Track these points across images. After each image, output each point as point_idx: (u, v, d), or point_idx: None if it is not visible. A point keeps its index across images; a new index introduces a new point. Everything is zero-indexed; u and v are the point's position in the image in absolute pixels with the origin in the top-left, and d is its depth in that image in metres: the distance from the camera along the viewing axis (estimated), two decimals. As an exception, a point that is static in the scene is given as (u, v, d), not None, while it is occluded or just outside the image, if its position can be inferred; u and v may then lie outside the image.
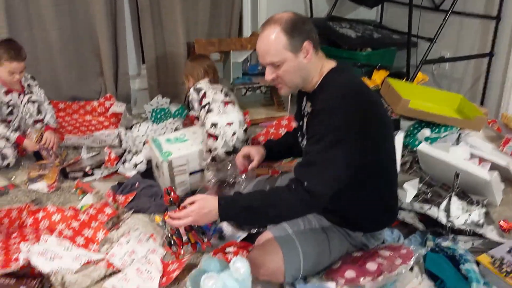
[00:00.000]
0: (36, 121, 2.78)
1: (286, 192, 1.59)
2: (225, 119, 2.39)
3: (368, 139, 1.58)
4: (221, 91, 2.54)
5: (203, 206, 1.61)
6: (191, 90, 2.55)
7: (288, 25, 1.57)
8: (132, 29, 3.52)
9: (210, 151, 2.36)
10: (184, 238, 1.78)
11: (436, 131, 2.66)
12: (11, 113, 2.73)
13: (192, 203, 1.63)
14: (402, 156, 2.56)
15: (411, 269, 1.82)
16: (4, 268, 1.73)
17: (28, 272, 1.77)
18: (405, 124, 2.87)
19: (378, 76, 3.30)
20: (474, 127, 2.68)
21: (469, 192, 2.32)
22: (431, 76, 3.60)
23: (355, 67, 3.33)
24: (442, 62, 3.55)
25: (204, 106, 2.47)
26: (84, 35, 3.25)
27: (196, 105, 2.54)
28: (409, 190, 2.24)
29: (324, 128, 1.57)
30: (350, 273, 1.70)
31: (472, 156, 2.58)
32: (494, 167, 2.53)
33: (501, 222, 2.16)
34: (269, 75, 1.66)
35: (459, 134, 2.73)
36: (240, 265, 1.58)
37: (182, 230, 1.82)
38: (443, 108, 2.89)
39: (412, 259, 1.75)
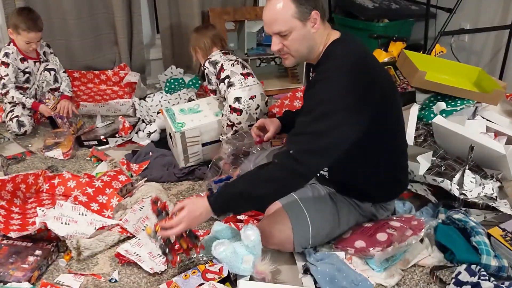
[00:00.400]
0: (53, 89, 2.81)
1: (269, 167, 1.57)
2: (248, 92, 2.37)
3: (365, 111, 1.54)
4: (238, 62, 2.47)
5: (193, 209, 1.55)
6: (206, 63, 2.49)
7: None
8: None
9: (232, 125, 2.34)
10: (176, 246, 1.62)
11: (452, 104, 2.62)
12: (27, 80, 2.76)
13: (181, 209, 1.57)
14: (417, 129, 2.53)
15: (422, 240, 1.83)
16: (22, 231, 1.77)
17: (44, 236, 1.82)
18: (421, 97, 2.83)
19: (395, 48, 3.25)
20: (491, 101, 2.63)
21: (483, 166, 2.30)
22: (450, 48, 3.53)
23: (371, 39, 3.26)
24: (461, 33, 3.46)
25: (223, 80, 2.41)
26: (99, 3, 3.23)
27: (213, 78, 2.49)
28: (422, 162, 2.23)
29: (316, 100, 1.55)
30: (360, 243, 1.72)
31: (488, 129, 2.55)
32: (510, 141, 2.50)
33: (514, 196, 2.15)
34: (276, 45, 1.63)
35: (476, 108, 2.69)
36: (250, 232, 1.60)
37: (172, 238, 1.63)
38: (460, 81, 2.83)
39: (422, 230, 1.76)
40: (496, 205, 2.03)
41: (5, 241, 1.78)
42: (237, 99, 2.31)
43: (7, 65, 2.62)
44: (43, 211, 1.83)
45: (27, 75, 2.73)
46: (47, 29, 3.00)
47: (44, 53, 2.81)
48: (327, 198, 1.79)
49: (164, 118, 2.43)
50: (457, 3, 2.99)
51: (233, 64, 2.44)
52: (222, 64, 2.43)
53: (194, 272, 1.57)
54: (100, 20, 3.28)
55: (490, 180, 2.17)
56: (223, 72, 2.41)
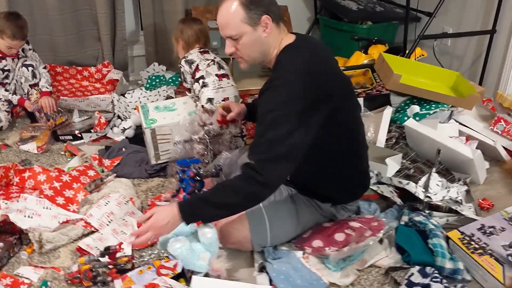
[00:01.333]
0: (32, 85, 2.82)
1: (235, 177, 1.58)
2: (221, 94, 2.38)
3: (315, 117, 1.55)
4: (214, 62, 2.49)
5: (161, 218, 1.54)
6: (183, 61, 2.52)
7: None
8: (132, -4, 3.52)
9: (204, 125, 2.35)
10: None
11: (426, 107, 2.64)
12: (6, 77, 2.78)
13: (149, 217, 1.57)
14: (390, 131, 2.55)
15: (381, 241, 1.85)
16: (-16, 224, 1.79)
17: (8, 229, 1.84)
18: (397, 99, 2.85)
19: (377, 51, 3.26)
20: (465, 105, 2.64)
21: (453, 169, 2.32)
22: (432, 52, 3.54)
23: (352, 40, 3.28)
24: (441, 38, 3.48)
25: (198, 80, 2.43)
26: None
27: (188, 77, 2.52)
28: (390, 164, 2.25)
29: (266, 108, 1.56)
30: (317, 243, 1.74)
31: (461, 134, 2.57)
32: (482, 145, 2.52)
33: (481, 200, 2.16)
34: (229, 48, 1.65)
35: (452, 112, 2.71)
36: (207, 230, 1.62)
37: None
38: (437, 85, 2.85)
39: (381, 231, 1.78)
40: (460, 208, 2.05)
41: (-32, 233, 1.80)
42: (210, 100, 2.33)
43: None
44: (6, 203, 1.85)
45: (6, 72, 2.75)
46: (30, 25, 2.98)
47: (23, 49, 2.82)
48: (287, 198, 1.81)
49: (138, 114, 2.45)
50: (436, 7, 3.00)
51: (208, 64, 2.45)
52: (197, 64, 2.45)
53: (149, 268, 1.59)
54: (83, 16, 3.30)
55: (457, 183, 2.19)
56: (198, 72, 2.43)
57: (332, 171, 1.74)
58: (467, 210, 2.06)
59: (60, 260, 1.76)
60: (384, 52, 3.16)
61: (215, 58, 2.55)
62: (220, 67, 2.49)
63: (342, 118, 1.65)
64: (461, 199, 2.10)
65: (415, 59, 3.16)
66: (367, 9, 3.59)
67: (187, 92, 2.59)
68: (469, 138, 2.54)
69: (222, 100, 2.36)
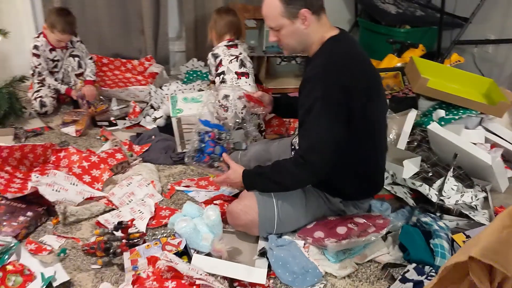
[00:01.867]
0: (77, 75, 3.04)
1: (288, 160, 1.74)
2: (238, 92, 2.46)
3: (344, 110, 1.63)
4: (238, 59, 2.56)
5: (233, 177, 1.83)
6: (209, 54, 2.62)
7: None
8: (176, -7, 3.69)
9: (219, 120, 2.44)
10: None
11: (454, 113, 2.61)
12: (55, 66, 3.01)
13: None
14: (413, 134, 2.55)
15: (386, 239, 1.88)
16: (16, 193, 1.97)
17: (38, 201, 2.01)
18: (426, 104, 2.83)
19: (412, 54, 3.25)
20: (495, 113, 2.60)
21: (473, 175, 2.30)
22: (472, 59, 3.48)
23: (387, 43, 3.28)
24: (476, 43, 3.41)
25: (219, 75, 2.54)
26: (129, -5, 3.46)
27: (213, 70, 2.62)
28: (407, 166, 2.26)
29: (311, 98, 1.65)
30: (319, 234, 1.79)
31: (487, 141, 2.53)
32: (509, 153, 2.48)
33: (498, 208, 2.14)
34: (272, 37, 1.78)
35: (481, 119, 2.67)
36: (211, 212, 1.72)
37: None
38: (469, 91, 2.81)
39: (385, 229, 1.81)
40: (474, 214, 2.04)
41: (3, 201, 1.98)
42: (226, 97, 2.42)
43: (38, 56, 2.88)
44: (37, 177, 2.02)
45: (55, 62, 2.98)
46: (81, 17, 3.25)
47: (71, 41, 3.04)
48: (298, 189, 1.87)
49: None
50: (473, 12, 2.96)
51: (231, 61, 2.54)
52: (221, 59, 2.55)
53: (156, 244, 1.71)
54: (129, 10, 3.49)
55: (473, 189, 2.17)
56: (220, 67, 2.53)
57: (349, 167, 1.78)
58: (480, 216, 2.04)
59: (80, 232, 1.91)
60: (421, 56, 3.15)
61: (241, 54, 2.60)
62: (242, 64, 2.56)
63: (370, 114, 1.71)
64: (475, 205, 2.09)
65: (450, 64, 3.13)
66: (406, 13, 3.57)
67: (211, 84, 2.69)
68: (495, 145, 2.50)
69: (238, 98, 2.44)
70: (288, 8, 1.66)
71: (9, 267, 1.63)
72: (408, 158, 2.32)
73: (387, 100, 2.72)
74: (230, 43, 2.64)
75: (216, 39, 2.68)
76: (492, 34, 3.41)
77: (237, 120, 2.20)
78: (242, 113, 2.41)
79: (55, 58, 2.98)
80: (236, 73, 2.52)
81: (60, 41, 2.87)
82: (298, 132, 1.78)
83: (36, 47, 2.87)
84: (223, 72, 2.51)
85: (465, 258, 1.02)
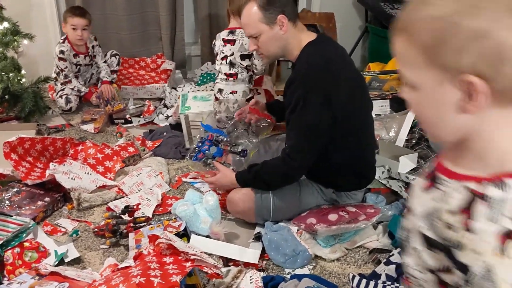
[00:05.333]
0: (98, 78, 3.26)
1: (275, 158, 1.90)
2: (230, 87, 2.62)
3: (331, 108, 1.75)
4: (227, 61, 2.62)
5: (224, 181, 2.01)
6: (213, 44, 2.76)
7: (263, 0, 1.80)
8: (192, 1, 3.87)
9: (215, 113, 2.61)
10: None
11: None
12: (78, 71, 3.23)
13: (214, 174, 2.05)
14: (413, 132, 2.64)
15: (376, 228, 1.98)
16: (35, 180, 2.15)
17: (55, 188, 2.18)
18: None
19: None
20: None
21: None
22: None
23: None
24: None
25: (223, 58, 2.66)
26: (148, 2, 3.64)
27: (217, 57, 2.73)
28: (403, 162, 2.35)
29: (295, 99, 1.78)
30: (311, 220, 1.91)
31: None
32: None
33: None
34: (252, 46, 1.92)
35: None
36: (210, 198, 1.87)
37: None
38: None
39: (375, 217, 1.92)
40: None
41: (24, 188, 2.17)
42: (220, 90, 2.57)
43: (64, 60, 3.09)
44: (54, 166, 2.20)
45: (78, 66, 3.20)
46: (101, 23, 3.48)
47: (93, 46, 3.24)
48: (294, 180, 2.00)
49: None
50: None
51: (222, 62, 2.66)
52: (217, 53, 2.68)
53: (158, 226, 1.86)
54: (148, 17, 3.69)
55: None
56: (216, 61, 2.70)
57: (336, 163, 1.90)
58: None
59: (92, 217, 2.08)
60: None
61: (232, 55, 2.63)
62: (231, 66, 2.64)
63: (352, 112, 1.82)
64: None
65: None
66: (415, 18, 3.66)
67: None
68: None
69: (230, 93, 2.59)
70: (266, 14, 1.81)
71: (26, 244, 1.80)
72: (405, 154, 2.41)
73: (388, 100, 2.84)
74: (229, 36, 2.66)
75: (228, 20, 2.78)
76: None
77: (230, 115, 2.35)
78: (233, 107, 2.55)
79: (78, 63, 3.19)
80: (225, 74, 2.65)
81: (75, 29, 3.01)
82: (286, 131, 1.92)
83: (62, 52, 3.07)
84: (225, 56, 2.64)
85: None
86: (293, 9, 1.86)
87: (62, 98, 3.11)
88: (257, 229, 1.95)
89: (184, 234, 1.83)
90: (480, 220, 0.66)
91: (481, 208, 0.66)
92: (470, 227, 0.67)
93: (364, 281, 1.61)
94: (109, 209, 2.07)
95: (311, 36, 1.87)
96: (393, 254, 1.75)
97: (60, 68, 3.11)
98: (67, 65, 3.11)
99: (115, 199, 2.17)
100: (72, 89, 3.14)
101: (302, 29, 1.88)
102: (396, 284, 1.59)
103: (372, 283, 1.59)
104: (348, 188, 2.02)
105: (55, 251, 1.80)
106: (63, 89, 3.14)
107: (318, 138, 1.79)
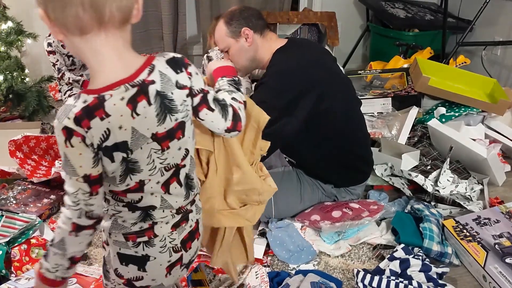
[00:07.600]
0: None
1: None
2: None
3: (298, 112, 1.76)
4: None
5: None
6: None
7: (228, 16, 1.87)
8: (194, 1, 3.88)
9: None
10: None
11: (455, 110, 2.72)
12: (73, 63, 3.15)
13: None
14: (415, 130, 2.66)
15: (380, 224, 2.00)
16: (41, 178, 2.17)
17: (62, 186, 2.20)
18: (431, 103, 2.94)
19: (421, 56, 3.36)
20: (496, 111, 2.69)
21: (471, 169, 2.39)
22: (480, 60, 3.56)
23: (394, 46, 3.41)
24: (479, 45, 3.49)
25: None
26: (150, 2, 3.66)
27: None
28: (405, 159, 2.37)
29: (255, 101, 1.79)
30: (315, 217, 1.93)
31: (487, 137, 2.62)
32: (509, 150, 2.57)
33: (493, 198, 2.23)
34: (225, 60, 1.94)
35: (484, 117, 2.76)
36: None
37: None
38: (473, 91, 2.90)
39: (378, 214, 1.94)
40: (468, 203, 2.14)
41: (30, 186, 2.19)
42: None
43: (54, 53, 3.01)
44: (60, 163, 2.22)
45: (71, 58, 3.14)
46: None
47: None
48: (294, 178, 2.02)
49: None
50: (476, 15, 3.06)
51: None
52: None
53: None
54: (150, 17, 3.70)
55: (467, 180, 2.26)
56: None
57: (329, 156, 1.93)
58: (474, 206, 2.14)
59: (98, 214, 2.09)
60: (429, 58, 3.27)
61: None
62: None
63: (331, 111, 1.83)
64: (470, 195, 2.19)
65: (456, 66, 3.23)
66: (415, 17, 3.68)
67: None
68: (493, 142, 2.59)
69: None
70: (230, 28, 1.87)
71: (33, 241, 1.82)
72: (407, 152, 2.43)
73: (390, 98, 2.86)
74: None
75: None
76: (500, 37, 3.49)
77: None
78: None
79: (70, 54, 3.02)
80: None
81: None
82: None
83: (49, 44, 2.96)
84: None
85: None
86: (258, 21, 1.90)
87: (71, 98, 3.09)
88: (261, 226, 1.97)
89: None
90: None
91: None
92: None
93: (368, 276, 1.63)
94: (114, 206, 2.08)
95: (280, 42, 1.90)
96: (396, 250, 1.77)
97: (52, 63, 3.03)
98: (58, 58, 3.00)
99: (120, 196, 2.19)
100: (71, 83, 3.11)
101: (270, 38, 1.92)
102: (400, 279, 1.61)
103: (376, 278, 1.61)
104: (344, 184, 2.05)
105: (62, 248, 1.82)
106: (71, 89, 3.13)
107: (275, 140, 1.64)
